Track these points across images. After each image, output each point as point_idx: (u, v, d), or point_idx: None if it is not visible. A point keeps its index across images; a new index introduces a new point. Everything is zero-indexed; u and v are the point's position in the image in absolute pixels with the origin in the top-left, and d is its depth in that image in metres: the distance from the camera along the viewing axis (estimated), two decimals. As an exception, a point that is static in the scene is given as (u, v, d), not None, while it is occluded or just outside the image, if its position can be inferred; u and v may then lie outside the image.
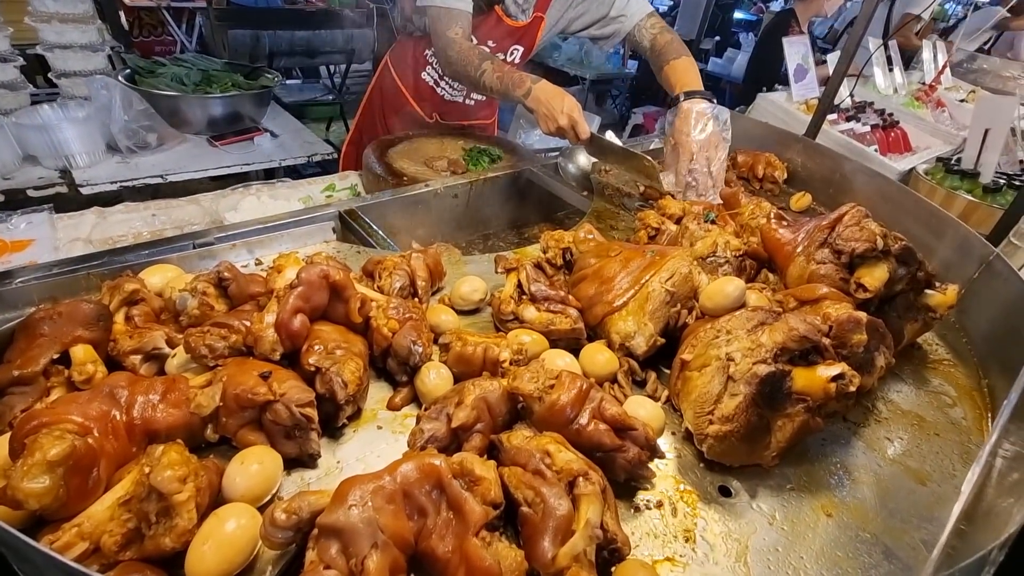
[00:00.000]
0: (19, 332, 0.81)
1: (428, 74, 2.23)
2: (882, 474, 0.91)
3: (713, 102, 1.74)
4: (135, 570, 0.60)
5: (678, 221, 1.43)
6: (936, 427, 1.03)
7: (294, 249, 1.32)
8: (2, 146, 2.28)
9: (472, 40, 1.91)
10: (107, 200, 2.23)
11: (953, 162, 2.54)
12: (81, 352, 0.80)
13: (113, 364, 0.86)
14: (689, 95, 1.74)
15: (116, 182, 2.43)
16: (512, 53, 2.14)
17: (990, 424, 1.04)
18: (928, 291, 1.16)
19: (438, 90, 2.26)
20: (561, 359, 0.97)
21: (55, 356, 0.78)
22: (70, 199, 2.34)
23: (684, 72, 1.86)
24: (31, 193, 2.30)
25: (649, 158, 1.67)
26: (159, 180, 2.52)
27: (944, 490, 0.90)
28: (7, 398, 0.75)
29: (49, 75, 2.78)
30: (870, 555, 0.78)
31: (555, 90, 1.72)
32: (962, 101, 3.54)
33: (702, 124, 1.69)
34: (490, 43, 2.05)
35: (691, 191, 1.68)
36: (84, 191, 2.35)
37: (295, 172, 3.02)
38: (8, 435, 0.70)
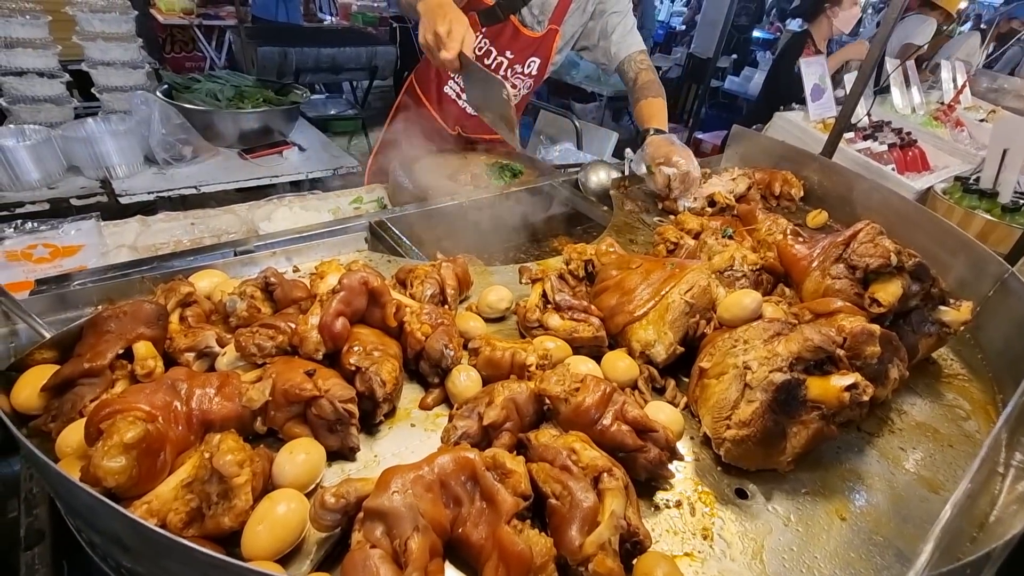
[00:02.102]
0: (87, 329, 0.88)
1: (450, 87, 2.33)
2: (895, 482, 0.94)
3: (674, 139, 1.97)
4: (198, 545, 0.65)
5: (696, 236, 1.48)
6: (950, 439, 1.05)
7: (330, 257, 1.39)
8: (49, 157, 2.41)
9: None
10: (142, 209, 2.35)
11: (971, 181, 2.55)
12: (143, 348, 0.87)
13: (168, 360, 0.93)
14: (658, 131, 2.00)
15: (153, 192, 2.54)
16: (529, 65, 2.24)
17: (1004, 437, 1.06)
18: (942, 307, 1.19)
19: (460, 103, 2.35)
20: (584, 365, 1.02)
21: (120, 351, 0.85)
22: (110, 208, 2.46)
23: (659, 110, 2.10)
24: (74, 202, 2.42)
25: (509, 89, 1.45)
26: (193, 191, 2.63)
27: (957, 499, 0.92)
28: (78, 388, 0.81)
29: (92, 90, 2.93)
30: (883, 557, 0.81)
31: (442, 2, 1.49)
32: (982, 121, 3.55)
33: (669, 146, 1.89)
34: (508, 54, 2.16)
35: (680, 188, 1.81)
36: (123, 200, 2.47)
37: (321, 184, 3.13)
38: (80, 421, 0.77)
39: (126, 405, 0.72)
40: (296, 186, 3.01)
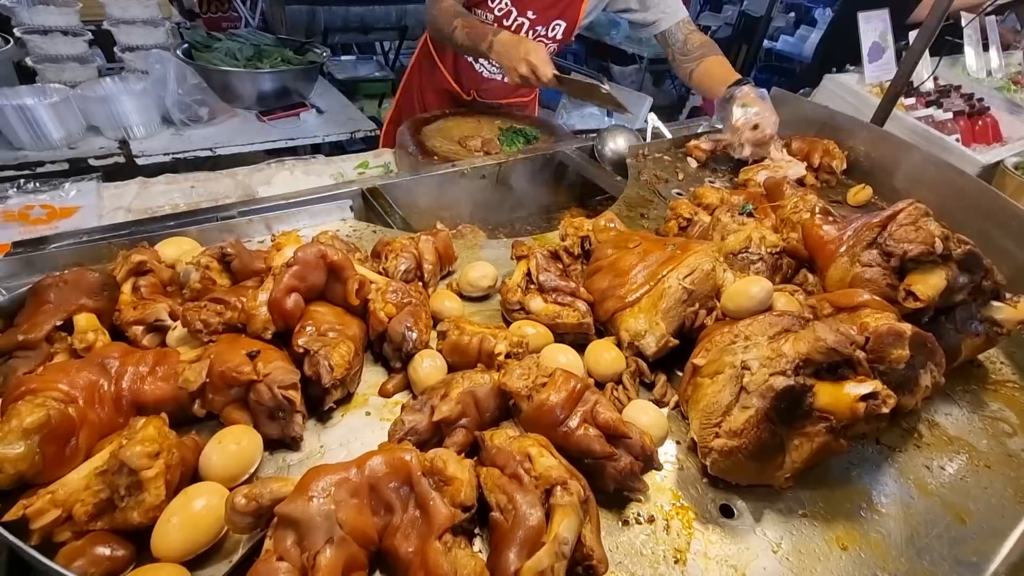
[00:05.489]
0: (29, 298, 0.84)
1: (467, 50, 2.18)
2: (914, 507, 0.81)
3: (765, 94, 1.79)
4: (101, 541, 0.61)
5: (714, 212, 1.32)
6: (988, 458, 0.91)
7: (313, 226, 1.32)
8: (68, 117, 2.41)
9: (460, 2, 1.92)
10: (161, 170, 2.34)
11: (1049, 155, 2.25)
12: (83, 320, 0.82)
13: (118, 334, 0.88)
14: (738, 83, 1.81)
15: (169, 153, 2.53)
16: (554, 29, 2.06)
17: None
18: (995, 303, 1.03)
19: (476, 67, 2.20)
20: (563, 355, 0.92)
21: (59, 323, 0.80)
22: (128, 168, 2.46)
23: (722, 67, 1.93)
24: (92, 162, 2.43)
25: (605, 87, 1.71)
26: (208, 153, 2.60)
27: (989, 531, 0.79)
28: (12, 361, 0.77)
29: (114, 49, 2.92)
30: (886, 599, 0.69)
31: (513, 38, 1.73)
32: (1073, 85, 3.13)
33: (761, 100, 1.73)
34: (530, 14, 1.99)
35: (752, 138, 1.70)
36: (139, 161, 2.46)
37: (340, 148, 3.06)
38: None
39: (41, 384, 0.67)
40: (317, 149, 2.95)
